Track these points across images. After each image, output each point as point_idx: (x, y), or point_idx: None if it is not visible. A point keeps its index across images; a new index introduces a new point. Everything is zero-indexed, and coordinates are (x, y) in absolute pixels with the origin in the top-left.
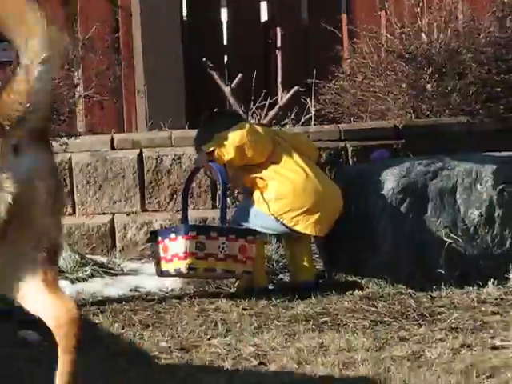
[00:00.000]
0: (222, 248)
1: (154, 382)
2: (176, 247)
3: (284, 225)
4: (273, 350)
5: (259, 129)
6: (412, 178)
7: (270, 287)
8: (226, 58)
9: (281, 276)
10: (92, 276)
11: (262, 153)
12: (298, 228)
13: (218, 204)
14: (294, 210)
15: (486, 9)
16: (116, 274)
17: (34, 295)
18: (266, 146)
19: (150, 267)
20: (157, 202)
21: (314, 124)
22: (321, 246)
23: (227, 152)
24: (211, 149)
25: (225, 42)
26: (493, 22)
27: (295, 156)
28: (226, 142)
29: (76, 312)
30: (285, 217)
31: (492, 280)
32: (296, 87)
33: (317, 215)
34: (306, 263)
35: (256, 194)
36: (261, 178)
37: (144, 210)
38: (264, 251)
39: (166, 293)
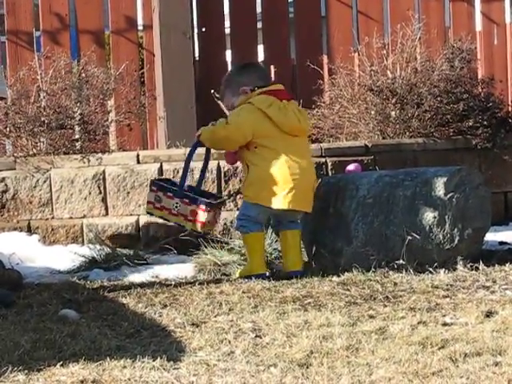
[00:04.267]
0: (176, 206)
1: (171, 351)
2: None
3: (261, 205)
4: (267, 325)
5: (244, 118)
6: (380, 187)
7: (267, 274)
8: None
9: (273, 265)
10: (121, 265)
11: (230, 147)
12: (274, 205)
13: (222, 207)
14: (270, 190)
15: (439, 51)
16: (140, 264)
17: None
18: (236, 141)
19: (168, 258)
20: None
21: None
22: (306, 241)
23: (205, 140)
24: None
25: None
26: (444, 62)
27: (280, 136)
28: (207, 132)
29: None
30: (260, 198)
31: (443, 269)
32: None
33: (292, 192)
34: (295, 256)
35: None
36: (246, 164)
37: None
38: (263, 244)
39: (181, 279)
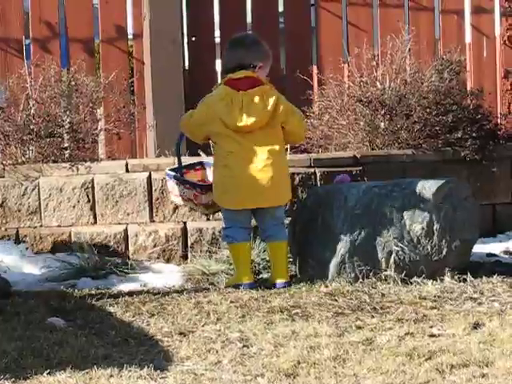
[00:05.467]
0: (183, 192)
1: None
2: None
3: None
4: (254, 335)
5: (199, 112)
6: (368, 198)
7: (254, 284)
8: None
9: (261, 275)
10: (109, 274)
11: (195, 139)
12: (230, 206)
13: (211, 216)
14: (223, 191)
15: (429, 63)
16: (128, 273)
17: None
18: (195, 134)
19: (157, 267)
20: (162, 214)
21: (290, 153)
22: (294, 251)
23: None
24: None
25: None
26: (434, 74)
27: (230, 132)
28: (182, 119)
29: None
30: (221, 200)
31: (431, 281)
32: None
33: (239, 191)
34: (281, 267)
35: None
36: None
37: (152, 220)
38: (249, 253)
39: (169, 288)
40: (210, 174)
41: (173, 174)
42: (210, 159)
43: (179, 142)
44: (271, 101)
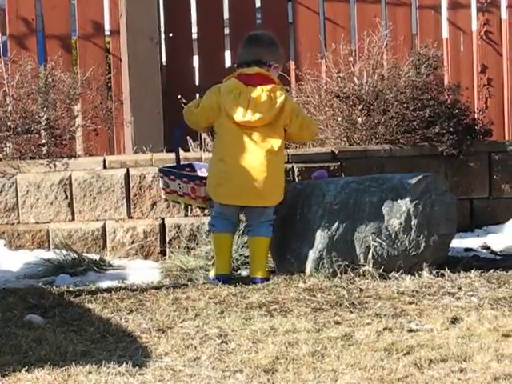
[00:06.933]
0: (180, 187)
1: (137, 356)
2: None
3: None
4: (232, 331)
5: (206, 99)
6: (346, 193)
7: (229, 277)
8: (197, 95)
9: (240, 271)
10: (87, 270)
11: (197, 126)
12: (213, 197)
13: (189, 212)
14: (212, 183)
15: (406, 58)
16: (107, 269)
17: None
18: (198, 122)
19: (135, 264)
20: (140, 211)
21: None
22: (274, 247)
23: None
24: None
25: (197, 83)
26: (411, 69)
27: (232, 126)
28: (185, 108)
29: None
30: (210, 191)
31: (409, 276)
32: None
33: (225, 186)
34: (260, 262)
35: None
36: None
37: (130, 217)
38: (229, 245)
39: (147, 284)
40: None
41: (169, 169)
42: (198, 162)
43: (178, 136)
44: (279, 101)
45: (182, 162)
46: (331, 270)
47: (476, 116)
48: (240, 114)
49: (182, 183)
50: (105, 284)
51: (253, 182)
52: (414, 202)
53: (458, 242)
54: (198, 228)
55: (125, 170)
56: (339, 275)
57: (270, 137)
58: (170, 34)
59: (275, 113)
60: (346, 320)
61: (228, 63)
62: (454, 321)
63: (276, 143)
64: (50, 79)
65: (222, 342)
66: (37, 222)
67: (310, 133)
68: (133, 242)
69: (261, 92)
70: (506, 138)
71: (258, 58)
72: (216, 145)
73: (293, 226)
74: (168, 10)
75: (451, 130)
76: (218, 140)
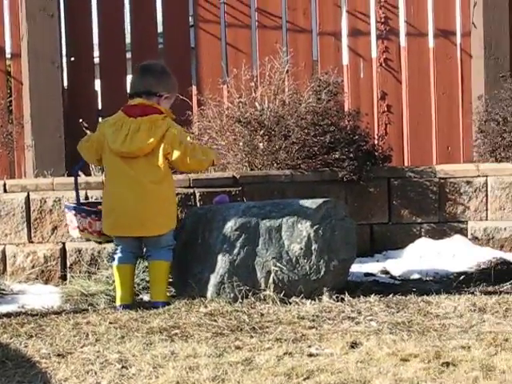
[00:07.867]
0: (81, 222)
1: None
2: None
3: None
4: (133, 356)
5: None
6: (247, 218)
7: (129, 307)
8: (100, 119)
9: (141, 296)
10: None
11: (88, 159)
12: (103, 229)
13: None
14: (103, 217)
15: (307, 84)
16: (6, 294)
17: None
18: (89, 156)
19: (35, 288)
20: (41, 235)
21: None
22: (175, 271)
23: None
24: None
25: (99, 107)
26: (311, 95)
27: (114, 157)
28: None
29: None
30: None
31: (309, 300)
32: None
33: (111, 218)
34: (160, 286)
35: None
36: None
37: (30, 241)
38: (129, 275)
39: (47, 309)
40: None
41: (71, 204)
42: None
43: (77, 171)
44: (159, 131)
45: (85, 192)
46: (232, 294)
47: (376, 142)
48: (118, 145)
49: (81, 218)
50: (4, 309)
51: (134, 212)
52: (315, 227)
53: (358, 267)
54: (98, 252)
55: (25, 193)
56: (240, 300)
57: (154, 166)
58: (72, 58)
59: (154, 142)
60: (247, 345)
61: (128, 88)
62: (354, 345)
63: (158, 172)
64: None
65: (122, 367)
66: None
67: (196, 162)
68: (33, 267)
69: (139, 123)
70: (406, 163)
71: (148, 89)
72: (105, 178)
73: (194, 250)
74: (70, 34)
75: (351, 155)
76: (106, 173)
